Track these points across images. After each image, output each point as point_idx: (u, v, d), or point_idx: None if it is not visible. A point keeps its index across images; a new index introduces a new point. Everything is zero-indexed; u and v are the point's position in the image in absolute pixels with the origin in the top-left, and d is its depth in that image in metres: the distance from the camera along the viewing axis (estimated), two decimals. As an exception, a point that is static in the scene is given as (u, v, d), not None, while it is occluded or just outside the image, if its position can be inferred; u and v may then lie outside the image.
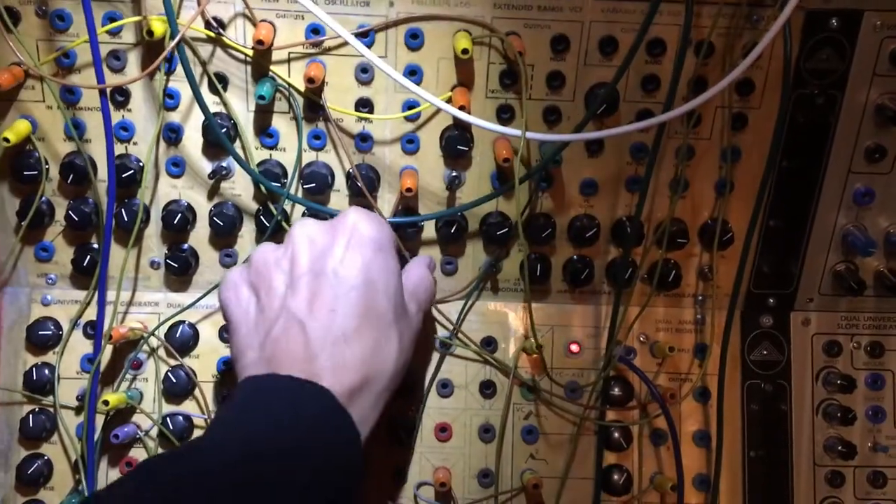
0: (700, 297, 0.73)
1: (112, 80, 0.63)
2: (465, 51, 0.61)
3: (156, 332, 0.69)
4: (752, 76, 0.66)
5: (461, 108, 0.62)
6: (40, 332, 0.69)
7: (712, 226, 0.70)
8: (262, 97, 0.62)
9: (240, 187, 0.68)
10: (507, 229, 0.69)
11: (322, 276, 0.55)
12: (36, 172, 0.65)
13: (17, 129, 0.63)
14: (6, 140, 0.62)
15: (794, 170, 0.69)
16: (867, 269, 0.72)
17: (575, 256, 0.71)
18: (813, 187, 0.70)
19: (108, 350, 0.68)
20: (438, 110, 0.66)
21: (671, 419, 0.68)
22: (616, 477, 0.72)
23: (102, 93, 0.59)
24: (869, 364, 0.73)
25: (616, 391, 0.72)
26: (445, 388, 0.71)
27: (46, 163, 0.66)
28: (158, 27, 0.59)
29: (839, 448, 0.72)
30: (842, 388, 0.72)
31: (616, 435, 0.71)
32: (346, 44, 0.63)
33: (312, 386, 0.51)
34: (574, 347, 0.72)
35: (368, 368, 0.54)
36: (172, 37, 0.58)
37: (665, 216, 0.69)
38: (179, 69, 0.63)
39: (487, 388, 0.72)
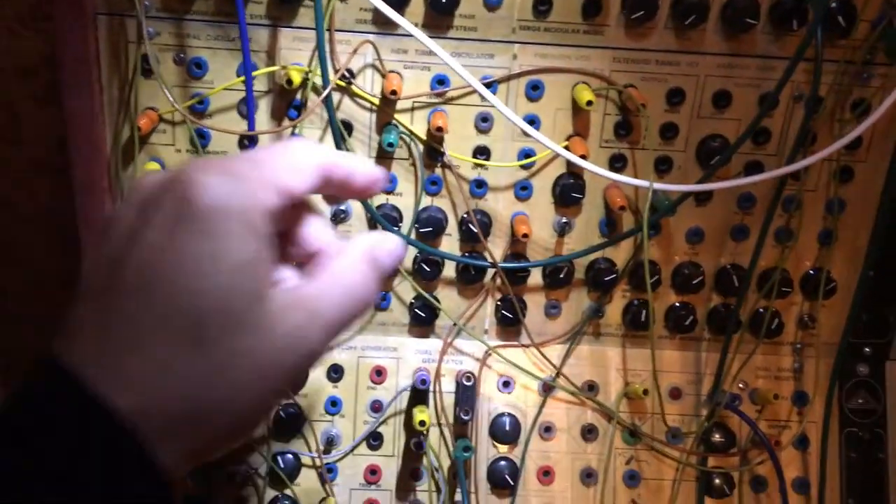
0: (799, 345, 0.74)
1: (244, 125, 0.65)
2: (589, 103, 0.63)
3: (267, 371, 0.70)
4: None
5: (582, 157, 0.64)
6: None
7: (815, 275, 0.71)
8: (390, 144, 0.63)
9: (356, 230, 0.69)
10: (613, 276, 0.70)
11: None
12: (162, 214, 0.67)
13: (147, 172, 0.65)
14: (140, 182, 0.63)
15: (893, 220, 0.70)
16: (965, 320, 0.73)
17: (678, 303, 0.72)
18: (913, 238, 0.71)
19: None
20: (553, 158, 0.68)
21: (779, 465, 0.69)
22: (717, 523, 0.72)
23: (249, 139, 0.61)
24: (965, 414, 0.74)
25: (717, 437, 0.72)
26: (548, 432, 0.72)
27: (171, 204, 0.67)
28: (296, 76, 0.61)
29: (938, 497, 0.72)
30: (938, 437, 0.73)
31: (717, 481, 0.72)
32: (467, 94, 0.66)
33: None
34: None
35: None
36: (314, 88, 0.60)
37: (767, 264, 0.71)
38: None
39: (589, 433, 0.73)
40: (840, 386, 0.74)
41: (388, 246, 0.43)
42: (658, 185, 0.63)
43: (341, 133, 0.65)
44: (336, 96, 0.66)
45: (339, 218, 0.68)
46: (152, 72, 0.62)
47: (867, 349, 0.74)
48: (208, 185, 0.36)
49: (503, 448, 0.72)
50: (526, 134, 0.63)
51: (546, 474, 0.72)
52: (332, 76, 0.61)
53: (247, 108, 0.65)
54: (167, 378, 0.35)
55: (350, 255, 0.42)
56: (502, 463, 0.72)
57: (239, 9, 0.56)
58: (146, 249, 0.36)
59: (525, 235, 0.67)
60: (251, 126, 0.61)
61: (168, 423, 0.35)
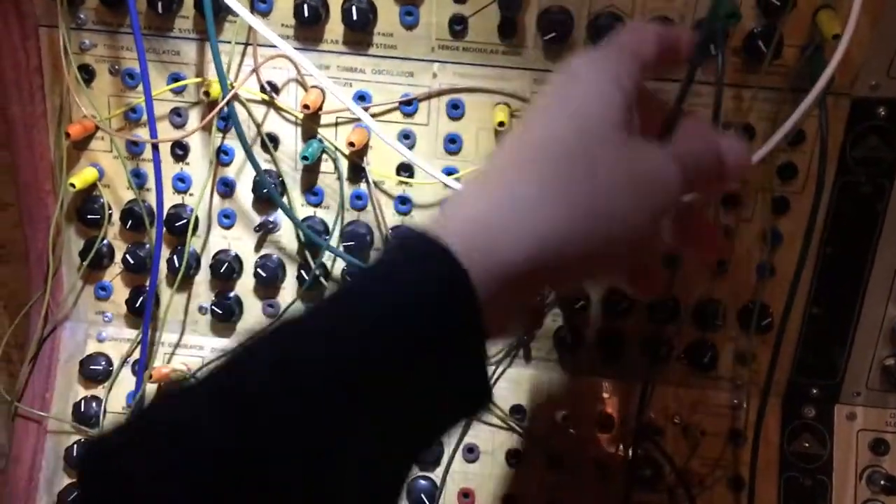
0: (738, 382, 0.71)
1: (173, 134, 0.67)
2: (501, 124, 0.63)
3: (197, 375, 0.72)
4: (796, 161, 0.65)
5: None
6: (91, 367, 0.73)
7: (752, 309, 0.68)
8: (305, 158, 0.65)
9: (285, 240, 0.71)
10: (541, 297, 0.69)
11: None
12: (99, 217, 0.70)
13: (83, 176, 0.68)
14: (72, 185, 0.67)
15: (840, 257, 0.67)
16: (918, 365, 0.69)
17: (610, 330, 0.71)
18: (860, 277, 0.67)
19: (153, 389, 0.72)
20: (477, 178, 0.67)
21: (695, 505, 0.67)
22: (642, 562, 0.70)
23: (154, 146, 0.64)
24: (918, 466, 0.70)
25: (646, 472, 0.70)
26: (471, 453, 0.72)
27: (110, 208, 0.71)
28: (215, 89, 0.64)
29: (881, 553, 0.68)
30: (886, 489, 0.69)
31: (643, 516, 0.70)
32: (389, 110, 0.67)
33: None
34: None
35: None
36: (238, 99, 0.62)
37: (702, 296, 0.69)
38: (235, 128, 0.68)
39: (513, 458, 0.71)
40: (783, 427, 0.71)
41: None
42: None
43: (265, 144, 0.67)
44: (262, 110, 0.68)
45: (267, 228, 0.70)
46: (90, 81, 0.66)
47: (814, 390, 0.71)
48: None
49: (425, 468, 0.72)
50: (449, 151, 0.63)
51: (466, 496, 0.71)
52: (233, 85, 0.63)
53: (177, 117, 0.68)
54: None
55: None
56: (422, 482, 0.71)
57: (133, 20, 0.59)
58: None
59: (442, 253, 0.67)
60: (153, 134, 0.63)
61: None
